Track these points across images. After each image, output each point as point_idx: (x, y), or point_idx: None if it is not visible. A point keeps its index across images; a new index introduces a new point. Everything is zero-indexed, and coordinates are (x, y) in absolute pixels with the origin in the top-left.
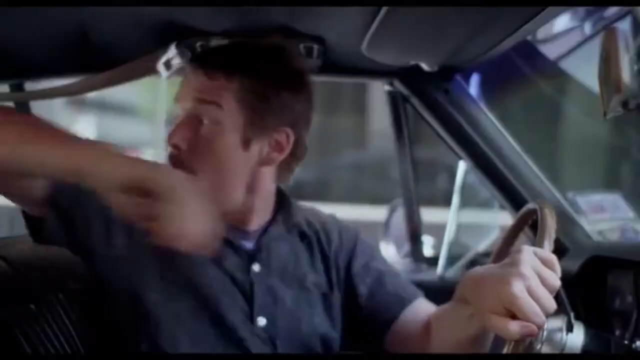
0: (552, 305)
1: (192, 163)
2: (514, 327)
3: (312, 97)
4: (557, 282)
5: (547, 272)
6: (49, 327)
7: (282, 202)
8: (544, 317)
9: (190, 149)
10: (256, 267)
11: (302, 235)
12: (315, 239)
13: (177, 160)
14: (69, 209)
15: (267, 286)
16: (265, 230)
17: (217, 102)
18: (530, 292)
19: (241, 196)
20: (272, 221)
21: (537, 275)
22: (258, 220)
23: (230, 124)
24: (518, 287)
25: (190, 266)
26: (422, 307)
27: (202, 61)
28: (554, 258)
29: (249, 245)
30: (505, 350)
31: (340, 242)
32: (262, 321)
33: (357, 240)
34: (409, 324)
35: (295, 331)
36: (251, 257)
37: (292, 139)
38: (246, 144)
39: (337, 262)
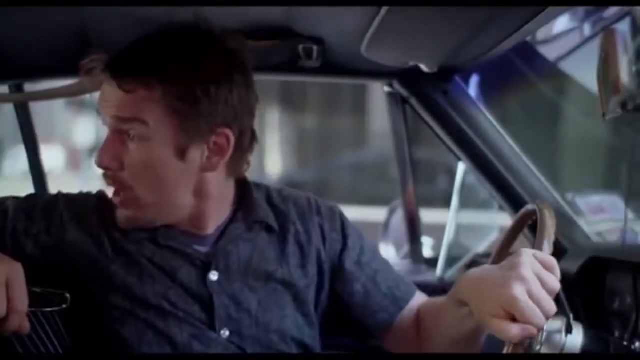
0: (552, 308)
1: (128, 180)
2: (514, 330)
3: (250, 80)
4: (557, 285)
5: (547, 275)
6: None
7: (243, 197)
8: (544, 320)
9: (123, 166)
10: (213, 276)
11: (269, 229)
12: (291, 230)
13: (112, 180)
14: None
15: (228, 295)
16: (222, 232)
17: (139, 119)
18: (531, 295)
19: (189, 203)
20: (230, 221)
21: (537, 278)
22: (214, 222)
23: (160, 138)
24: (518, 290)
25: (140, 282)
26: (416, 304)
27: (115, 70)
28: (553, 261)
29: (204, 250)
30: (505, 351)
31: (322, 234)
32: (225, 333)
33: (345, 229)
34: (404, 323)
35: (264, 338)
36: (207, 264)
37: (232, 139)
38: (181, 154)
39: (320, 257)
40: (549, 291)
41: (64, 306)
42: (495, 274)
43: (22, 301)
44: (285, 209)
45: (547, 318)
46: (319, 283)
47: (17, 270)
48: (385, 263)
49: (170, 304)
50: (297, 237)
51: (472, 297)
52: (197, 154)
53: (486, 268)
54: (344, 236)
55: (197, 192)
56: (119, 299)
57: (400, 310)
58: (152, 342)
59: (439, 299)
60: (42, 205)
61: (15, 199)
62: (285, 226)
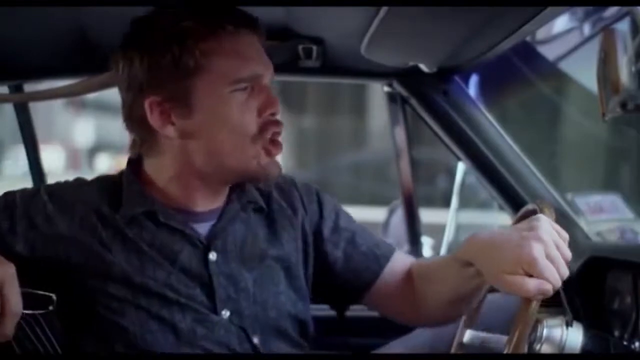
0: (566, 271)
1: None
2: (532, 284)
3: None
4: (569, 254)
5: (561, 242)
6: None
7: None
8: (559, 280)
9: None
10: (212, 256)
11: (259, 210)
12: (277, 208)
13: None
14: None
15: (225, 275)
16: (221, 213)
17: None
18: (549, 257)
19: None
20: (227, 202)
21: (553, 242)
22: (215, 199)
23: None
24: (538, 250)
25: (141, 270)
26: (399, 261)
27: (256, 26)
28: (566, 234)
29: (203, 230)
30: (506, 350)
31: (304, 207)
32: (226, 314)
33: (320, 200)
34: (389, 281)
35: (261, 315)
36: (206, 245)
37: None
38: None
39: (304, 228)
40: (563, 257)
41: (50, 308)
42: (511, 235)
43: (17, 304)
44: (268, 189)
45: (562, 280)
46: (305, 255)
47: (10, 272)
48: (362, 227)
49: (173, 290)
50: (282, 212)
51: (482, 257)
52: None
53: (496, 231)
54: (320, 204)
55: None
56: (118, 289)
57: (382, 267)
58: (155, 330)
59: (435, 261)
60: (22, 200)
61: None
62: (271, 205)
